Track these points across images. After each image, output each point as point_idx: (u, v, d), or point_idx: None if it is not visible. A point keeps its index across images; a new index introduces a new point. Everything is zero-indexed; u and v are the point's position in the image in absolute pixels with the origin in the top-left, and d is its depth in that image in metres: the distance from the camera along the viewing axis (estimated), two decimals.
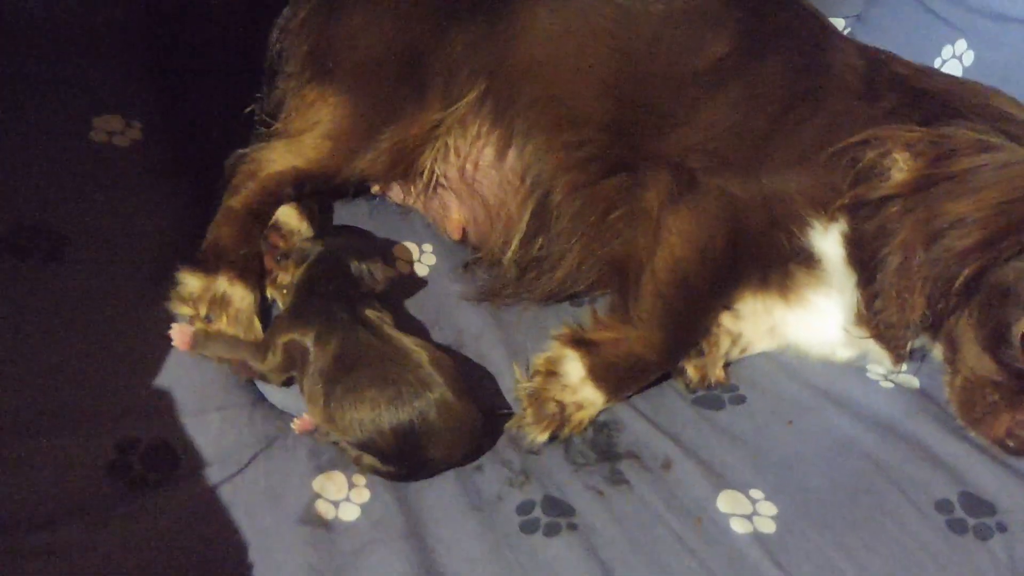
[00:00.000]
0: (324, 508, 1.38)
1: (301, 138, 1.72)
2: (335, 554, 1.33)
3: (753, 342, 1.68)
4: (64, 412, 1.39)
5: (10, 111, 1.74)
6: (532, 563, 1.36)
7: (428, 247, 1.80)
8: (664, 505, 1.44)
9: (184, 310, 1.55)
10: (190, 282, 1.55)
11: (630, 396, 1.60)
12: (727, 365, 1.67)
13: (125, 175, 1.73)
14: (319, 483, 1.41)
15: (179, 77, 1.93)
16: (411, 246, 1.79)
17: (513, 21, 1.71)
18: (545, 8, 1.72)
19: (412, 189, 1.80)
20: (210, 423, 1.44)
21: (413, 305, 1.69)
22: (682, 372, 1.62)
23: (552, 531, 1.40)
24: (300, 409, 1.48)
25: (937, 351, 1.61)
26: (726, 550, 1.40)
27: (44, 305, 1.51)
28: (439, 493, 1.42)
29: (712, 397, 1.63)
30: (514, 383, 1.58)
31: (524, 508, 1.42)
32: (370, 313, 1.50)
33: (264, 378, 1.52)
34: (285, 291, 1.63)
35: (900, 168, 1.52)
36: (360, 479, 1.42)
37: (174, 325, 1.51)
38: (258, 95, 1.83)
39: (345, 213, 1.82)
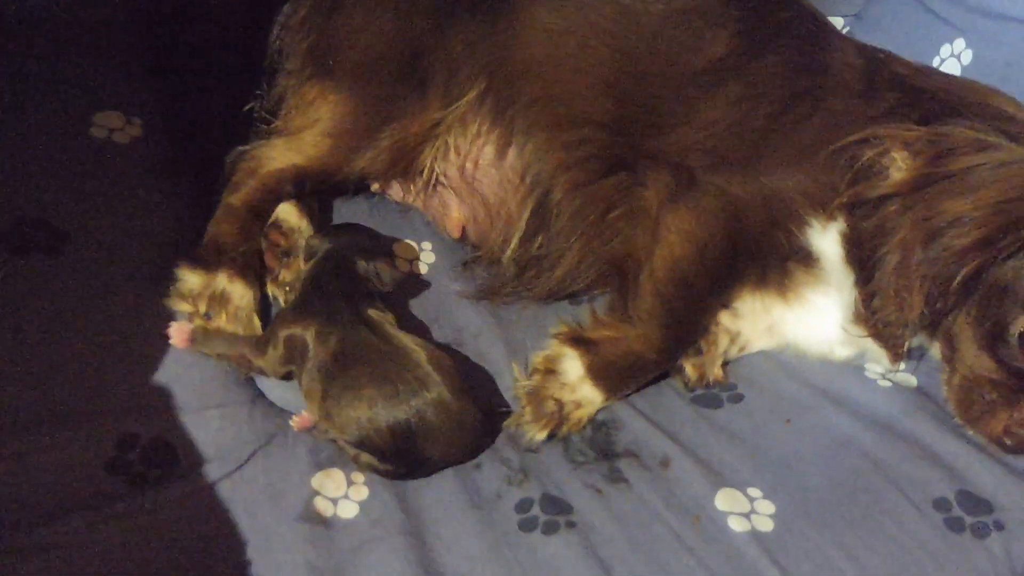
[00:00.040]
0: (323, 505, 1.39)
1: (301, 136, 1.72)
2: (334, 551, 1.33)
3: (751, 341, 1.68)
4: (64, 409, 1.40)
5: (10, 108, 1.74)
6: (531, 561, 1.36)
7: (427, 245, 1.80)
8: (662, 503, 1.44)
9: (183, 307, 1.55)
10: (190, 279, 1.55)
11: (629, 395, 1.60)
12: (725, 364, 1.67)
13: (125, 172, 1.73)
14: (318, 480, 1.41)
15: (179, 74, 1.93)
16: (410, 243, 1.80)
17: (513, 20, 1.71)
18: (545, 7, 1.72)
19: (412, 187, 1.80)
20: (209, 420, 1.44)
21: (413, 303, 1.69)
22: (681, 371, 1.63)
23: (551, 529, 1.40)
24: (299, 406, 1.48)
25: (935, 350, 1.61)
26: (724, 548, 1.40)
27: (44, 302, 1.51)
28: (438, 491, 1.42)
29: (710, 396, 1.63)
30: (513, 381, 1.58)
31: (523, 506, 1.43)
32: (373, 312, 1.50)
33: (263, 372, 1.52)
34: (287, 288, 1.64)
35: (899, 167, 1.53)
36: (359, 476, 1.43)
37: (172, 323, 1.51)
38: (258, 92, 1.83)
39: (345, 211, 1.83)
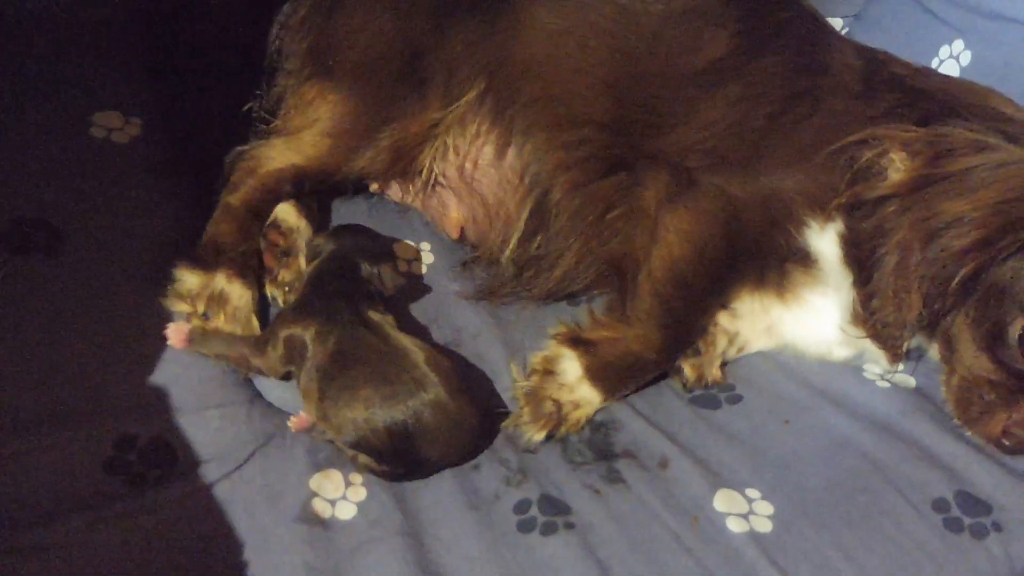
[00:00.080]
0: (321, 507, 1.38)
1: (300, 136, 1.72)
2: (332, 552, 1.33)
3: (750, 341, 1.68)
4: (62, 409, 1.39)
5: (9, 107, 1.75)
6: (529, 562, 1.36)
7: (426, 246, 1.80)
8: (661, 504, 1.44)
9: (182, 307, 1.55)
10: (188, 279, 1.55)
11: (627, 395, 1.60)
12: (724, 364, 1.67)
13: (124, 172, 1.73)
14: (316, 481, 1.41)
15: (178, 74, 1.93)
16: (410, 244, 1.80)
17: (513, 20, 1.71)
18: (545, 7, 1.72)
19: (411, 187, 1.80)
20: (208, 420, 1.44)
21: (412, 304, 1.69)
22: (679, 371, 1.63)
23: (549, 530, 1.40)
24: (298, 407, 1.48)
25: (934, 350, 1.61)
26: (723, 549, 1.40)
27: (42, 302, 1.51)
28: (436, 492, 1.42)
29: (709, 396, 1.63)
30: (511, 382, 1.58)
31: (521, 507, 1.42)
32: (373, 314, 1.50)
33: (262, 372, 1.52)
34: (286, 288, 1.64)
35: (897, 168, 1.53)
36: (357, 477, 1.42)
37: (170, 324, 1.51)
38: (257, 92, 1.83)
39: (344, 211, 1.83)
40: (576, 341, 1.57)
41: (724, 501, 1.46)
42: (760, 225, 1.59)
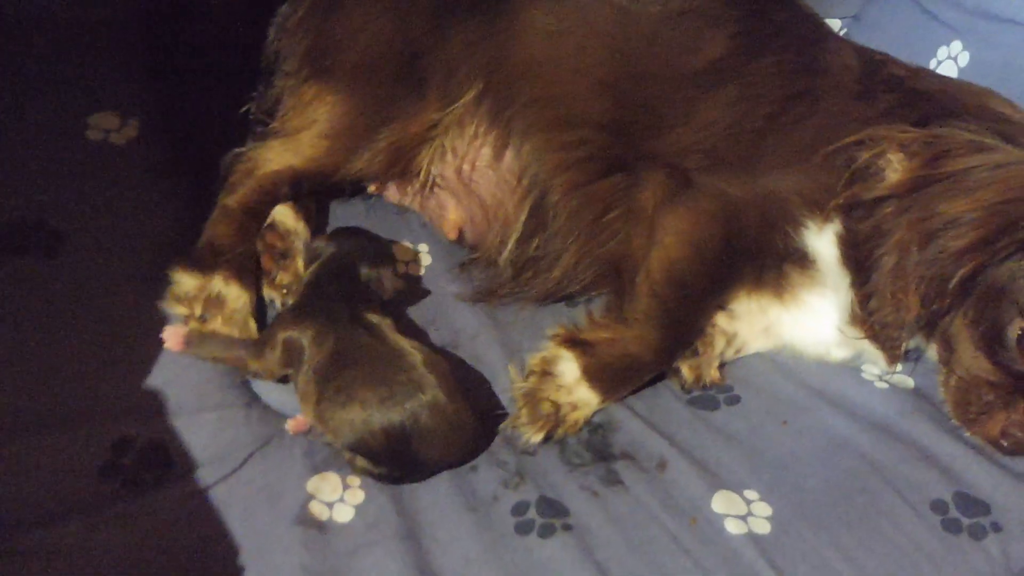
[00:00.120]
0: (318, 509, 1.38)
1: (298, 137, 1.72)
2: (329, 555, 1.33)
3: (748, 342, 1.68)
4: (59, 412, 1.40)
5: (6, 108, 1.75)
6: (527, 564, 1.36)
7: (424, 247, 1.81)
8: (659, 506, 1.44)
9: (179, 309, 1.54)
10: (185, 281, 1.55)
11: (625, 396, 1.59)
12: (722, 365, 1.67)
13: (122, 173, 1.73)
14: (314, 484, 1.41)
15: (176, 75, 1.93)
16: (408, 246, 1.80)
17: (511, 21, 1.71)
18: (543, 8, 1.72)
19: (409, 189, 1.80)
20: (205, 423, 1.44)
21: (410, 305, 1.69)
22: (677, 372, 1.63)
23: (547, 532, 1.40)
24: (295, 409, 1.48)
25: (932, 351, 1.61)
26: (721, 551, 1.40)
27: (40, 303, 1.51)
28: (434, 494, 1.42)
29: (707, 397, 1.63)
30: (509, 383, 1.58)
31: (519, 509, 1.42)
32: (371, 316, 1.50)
33: (259, 375, 1.52)
34: (284, 290, 1.64)
35: (895, 168, 1.53)
36: (354, 480, 1.42)
37: (166, 326, 1.51)
38: (255, 93, 1.83)
39: (342, 213, 1.83)
40: (574, 342, 1.57)
41: (722, 502, 1.45)
42: (758, 226, 1.59)
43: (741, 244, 1.60)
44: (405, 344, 1.46)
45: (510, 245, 1.72)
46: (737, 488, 1.48)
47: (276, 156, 1.70)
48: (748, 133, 1.64)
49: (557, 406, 1.52)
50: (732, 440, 1.56)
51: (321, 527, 1.36)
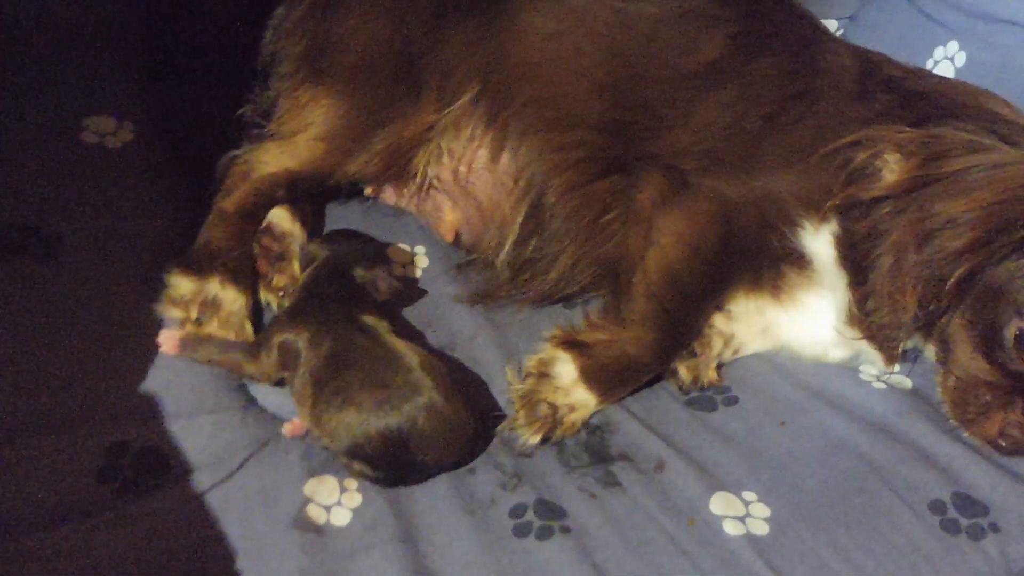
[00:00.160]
0: (316, 512, 1.38)
1: (294, 139, 1.72)
2: (327, 559, 1.33)
3: (746, 343, 1.68)
4: (55, 416, 1.39)
5: (2, 111, 1.74)
6: (525, 566, 1.35)
7: (421, 249, 1.80)
8: (657, 507, 1.44)
9: (175, 313, 1.54)
10: (181, 284, 1.55)
11: (623, 398, 1.59)
12: (720, 366, 1.67)
13: (117, 176, 1.74)
14: (311, 487, 1.40)
15: (172, 78, 1.93)
16: (404, 248, 1.79)
17: (509, 22, 1.71)
18: (540, 10, 1.72)
19: (405, 191, 1.80)
20: (201, 427, 1.44)
21: (407, 308, 1.69)
22: (675, 373, 1.62)
23: (545, 534, 1.39)
24: (292, 413, 1.48)
25: (930, 351, 1.61)
26: (719, 552, 1.40)
27: (35, 307, 1.51)
28: (431, 496, 1.42)
29: (705, 398, 1.63)
30: (507, 385, 1.57)
31: (517, 511, 1.42)
32: (368, 319, 1.50)
33: (255, 378, 1.52)
34: (280, 293, 1.64)
35: (892, 169, 1.53)
36: (352, 483, 1.42)
37: (162, 331, 1.51)
38: (251, 96, 1.83)
39: (338, 215, 1.83)
40: (571, 344, 1.57)
41: (720, 503, 1.45)
42: (756, 226, 1.59)
43: (739, 245, 1.60)
44: (402, 346, 1.46)
45: (507, 247, 1.72)
46: (735, 489, 1.47)
47: (272, 159, 1.70)
48: (746, 134, 1.64)
49: (555, 408, 1.51)
50: (730, 441, 1.55)
51: (318, 530, 1.36)
